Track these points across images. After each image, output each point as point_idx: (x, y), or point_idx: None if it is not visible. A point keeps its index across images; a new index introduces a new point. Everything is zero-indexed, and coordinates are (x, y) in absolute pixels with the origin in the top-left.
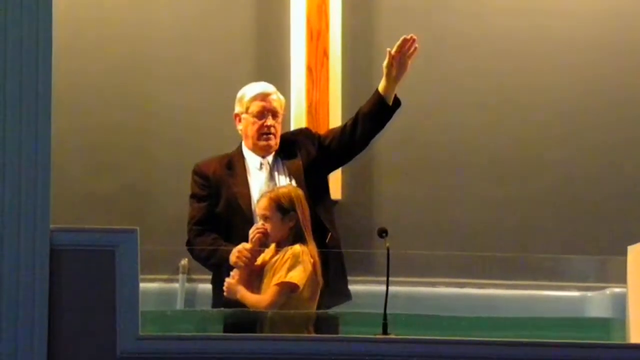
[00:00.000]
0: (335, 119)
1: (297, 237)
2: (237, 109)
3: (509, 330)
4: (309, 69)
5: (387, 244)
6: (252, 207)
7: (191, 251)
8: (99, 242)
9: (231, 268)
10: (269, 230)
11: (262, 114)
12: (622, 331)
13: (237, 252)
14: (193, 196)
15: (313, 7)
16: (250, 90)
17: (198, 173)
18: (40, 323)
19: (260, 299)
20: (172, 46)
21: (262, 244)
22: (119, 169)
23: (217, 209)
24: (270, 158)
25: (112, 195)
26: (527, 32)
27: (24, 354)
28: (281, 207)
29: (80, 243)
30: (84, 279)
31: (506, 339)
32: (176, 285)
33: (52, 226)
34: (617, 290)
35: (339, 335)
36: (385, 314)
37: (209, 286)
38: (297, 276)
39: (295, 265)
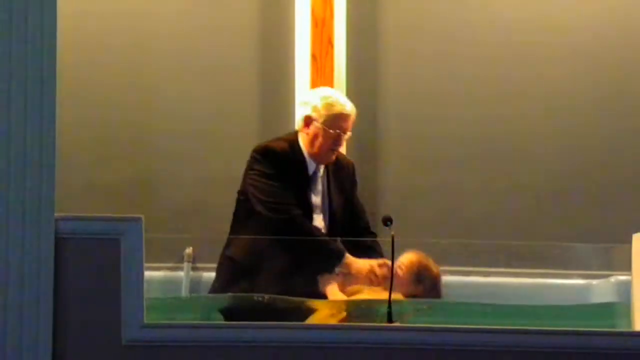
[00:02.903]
0: None
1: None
2: (312, 113)
3: (514, 318)
4: (314, 57)
5: (392, 232)
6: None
7: (295, 229)
8: (104, 230)
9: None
10: (398, 281)
11: (340, 135)
12: (627, 318)
13: (377, 270)
14: (270, 176)
15: None
16: (334, 103)
17: (272, 154)
18: (45, 311)
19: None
20: (174, 36)
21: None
22: (123, 159)
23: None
24: (321, 167)
25: (116, 184)
26: (534, 23)
27: (29, 343)
28: (419, 277)
29: (85, 231)
30: (89, 267)
31: (511, 326)
32: (181, 273)
33: (56, 214)
34: (621, 278)
35: (344, 323)
36: (389, 303)
37: (213, 274)
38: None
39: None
